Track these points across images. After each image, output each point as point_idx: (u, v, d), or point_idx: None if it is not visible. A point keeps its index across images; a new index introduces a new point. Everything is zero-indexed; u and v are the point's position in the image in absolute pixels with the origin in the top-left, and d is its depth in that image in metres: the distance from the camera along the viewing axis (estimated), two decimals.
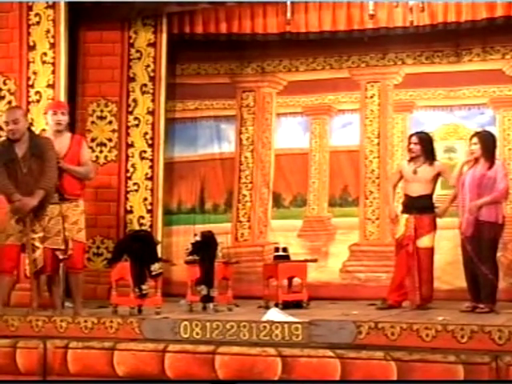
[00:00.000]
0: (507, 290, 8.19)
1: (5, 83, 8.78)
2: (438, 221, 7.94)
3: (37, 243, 7.06)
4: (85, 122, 9.07)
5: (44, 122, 8.38)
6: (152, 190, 9.10)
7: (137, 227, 8.90)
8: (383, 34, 8.86)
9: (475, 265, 7.40)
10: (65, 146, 7.41)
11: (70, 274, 7.50)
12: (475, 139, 7.61)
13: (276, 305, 7.70)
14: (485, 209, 7.41)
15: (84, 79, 9.17)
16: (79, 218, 7.44)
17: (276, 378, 5.49)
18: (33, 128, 7.71)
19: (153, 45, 9.16)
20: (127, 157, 9.13)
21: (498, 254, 7.67)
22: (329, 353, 5.41)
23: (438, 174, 7.99)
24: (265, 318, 6.35)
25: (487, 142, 7.58)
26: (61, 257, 7.32)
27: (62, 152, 7.33)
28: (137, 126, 9.14)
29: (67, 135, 7.52)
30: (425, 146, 7.95)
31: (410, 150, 8.03)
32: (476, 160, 7.56)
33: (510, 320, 6.56)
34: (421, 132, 8.24)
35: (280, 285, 8.03)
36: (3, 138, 8.22)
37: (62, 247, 7.22)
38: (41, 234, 7.09)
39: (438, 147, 8.67)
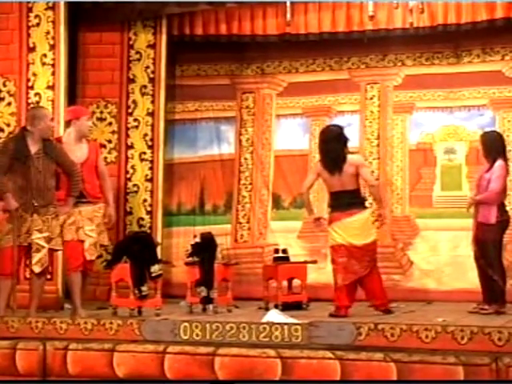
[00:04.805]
0: (508, 291, 8.14)
1: (4, 85, 8.78)
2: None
3: (42, 243, 7.05)
4: None
5: None
6: (152, 191, 9.09)
7: (136, 228, 8.89)
8: (383, 35, 8.84)
9: (481, 266, 7.41)
10: (84, 153, 7.46)
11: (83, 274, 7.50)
12: (479, 141, 7.66)
13: (276, 306, 7.69)
14: (481, 210, 7.41)
15: (84, 80, 9.17)
16: (101, 221, 7.52)
17: (276, 379, 5.48)
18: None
19: (152, 46, 9.16)
20: (127, 158, 9.13)
21: None
22: (328, 354, 5.41)
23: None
24: (264, 320, 6.35)
25: (487, 143, 7.58)
26: (89, 258, 7.38)
27: (81, 159, 7.35)
28: (136, 127, 9.14)
29: (84, 141, 7.56)
30: None
31: None
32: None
33: (510, 321, 6.55)
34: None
35: (280, 286, 8.03)
36: (6, 135, 8.27)
37: (61, 248, 7.24)
38: (46, 234, 7.07)
39: (438, 148, 8.67)
